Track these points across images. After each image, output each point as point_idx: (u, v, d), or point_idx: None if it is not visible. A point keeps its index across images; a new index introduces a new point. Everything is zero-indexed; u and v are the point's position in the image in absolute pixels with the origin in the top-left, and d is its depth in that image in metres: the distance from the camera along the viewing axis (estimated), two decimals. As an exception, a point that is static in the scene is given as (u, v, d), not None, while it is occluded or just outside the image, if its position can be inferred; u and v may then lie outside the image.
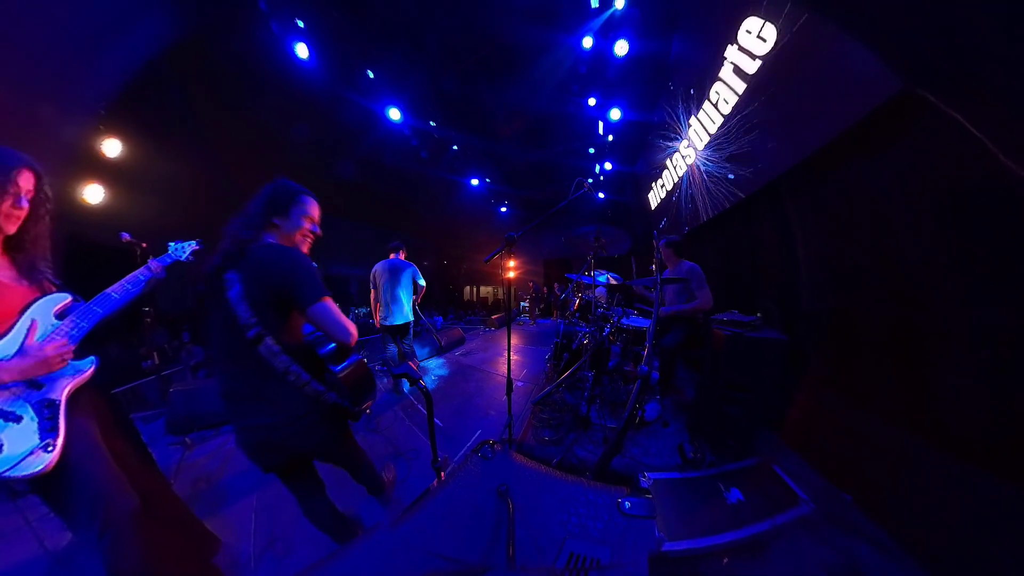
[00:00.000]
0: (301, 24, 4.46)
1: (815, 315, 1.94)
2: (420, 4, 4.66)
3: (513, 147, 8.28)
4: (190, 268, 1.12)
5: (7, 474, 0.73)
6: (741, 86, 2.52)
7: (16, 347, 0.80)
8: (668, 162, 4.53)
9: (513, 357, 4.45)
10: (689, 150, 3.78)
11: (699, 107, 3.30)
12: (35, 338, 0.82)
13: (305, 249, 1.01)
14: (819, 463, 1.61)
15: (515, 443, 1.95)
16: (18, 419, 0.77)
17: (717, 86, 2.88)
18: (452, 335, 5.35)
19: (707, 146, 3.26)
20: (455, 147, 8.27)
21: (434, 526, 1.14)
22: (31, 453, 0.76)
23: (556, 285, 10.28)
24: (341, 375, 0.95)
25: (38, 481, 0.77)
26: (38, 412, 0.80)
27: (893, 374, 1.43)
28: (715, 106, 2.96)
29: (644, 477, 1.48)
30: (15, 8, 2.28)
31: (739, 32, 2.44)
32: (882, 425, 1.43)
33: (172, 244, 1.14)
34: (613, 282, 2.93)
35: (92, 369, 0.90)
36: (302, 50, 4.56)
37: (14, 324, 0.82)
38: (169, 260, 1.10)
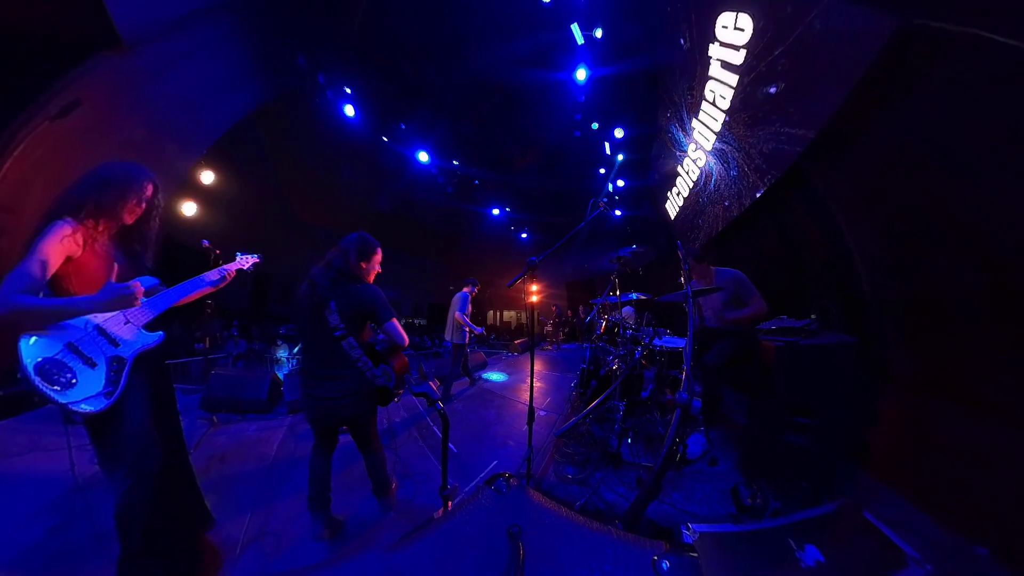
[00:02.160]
0: (349, 91, 6.24)
1: (887, 304, 1.60)
2: (438, 67, 6.13)
3: (529, 177, 8.99)
4: (248, 275, 1.44)
5: (71, 405, 0.89)
6: (733, 79, 2.49)
7: None
8: (679, 168, 4.48)
9: (536, 384, 4.26)
10: (698, 153, 3.72)
11: (698, 109, 3.31)
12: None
13: (371, 279, 1.45)
14: (931, 503, 1.21)
15: (533, 479, 1.78)
16: (94, 365, 0.95)
17: (710, 85, 2.88)
18: (474, 359, 5.35)
19: (715, 145, 3.19)
20: (476, 181, 9.16)
21: (431, 561, 1.03)
22: (94, 395, 0.93)
23: (581, 308, 10.07)
24: (396, 365, 1.41)
25: (91, 418, 0.94)
26: (109, 364, 0.97)
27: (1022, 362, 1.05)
28: (713, 104, 2.93)
29: (688, 530, 1.21)
30: (151, 69, 3.23)
31: (716, 29, 2.47)
32: (1021, 439, 1.04)
33: (239, 253, 1.44)
34: (640, 298, 2.81)
35: (159, 342, 1.09)
36: (349, 110, 6.38)
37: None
38: (235, 267, 1.38)
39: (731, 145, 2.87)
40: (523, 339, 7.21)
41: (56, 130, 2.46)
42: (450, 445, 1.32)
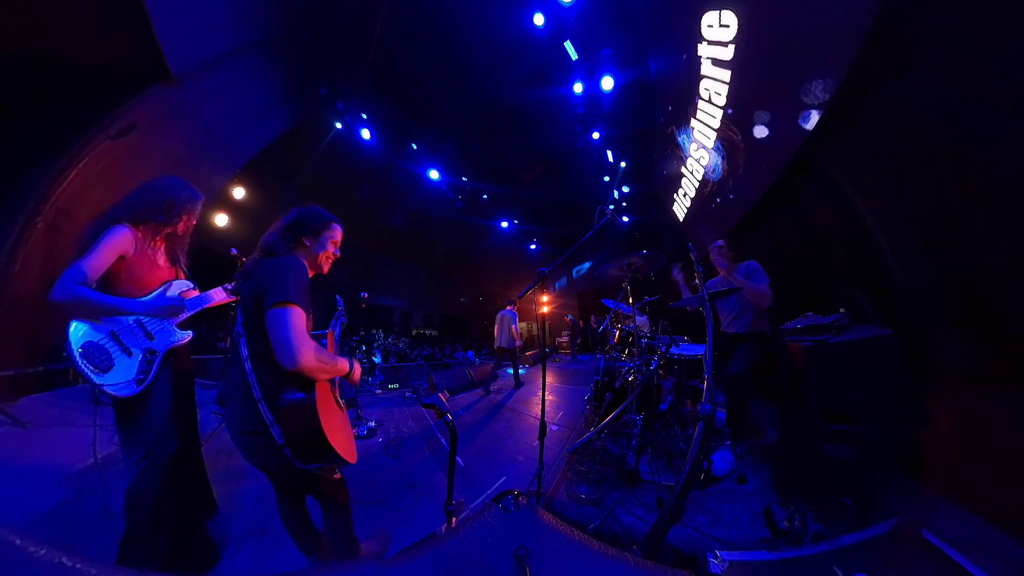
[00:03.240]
0: (365, 116, 7.00)
1: (922, 287, 1.45)
2: (445, 91, 6.73)
3: (535, 189, 9.24)
4: None
5: (106, 387, 0.99)
6: (726, 74, 2.49)
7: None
8: (683, 169, 4.44)
9: (548, 397, 4.20)
10: (701, 152, 3.69)
11: (695, 109, 3.31)
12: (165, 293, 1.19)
13: (327, 269, 1.09)
14: (1004, 517, 1.02)
15: (544, 498, 1.69)
16: (130, 354, 1.06)
17: (704, 84, 2.89)
18: (484, 371, 5.33)
19: (717, 142, 3.16)
20: (485, 195, 9.48)
21: (430, 579, 0.93)
22: (127, 381, 1.03)
23: (593, 317, 9.90)
24: (282, 408, 0.81)
25: (120, 402, 1.04)
26: (143, 355, 1.08)
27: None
28: (709, 102, 2.93)
29: (716, 558, 1.10)
30: (194, 98, 3.62)
31: (702, 29, 2.51)
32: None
33: None
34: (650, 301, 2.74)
35: (188, 339, 1.20)
36: (366, 133, 7.12)
37: (157, 290, 1.18)
38: None
39: (733, 140, 2.84)
40: (534, 350, 7.02)
41: (115, 148, 2.85)
42: (457, 459, 1.26)
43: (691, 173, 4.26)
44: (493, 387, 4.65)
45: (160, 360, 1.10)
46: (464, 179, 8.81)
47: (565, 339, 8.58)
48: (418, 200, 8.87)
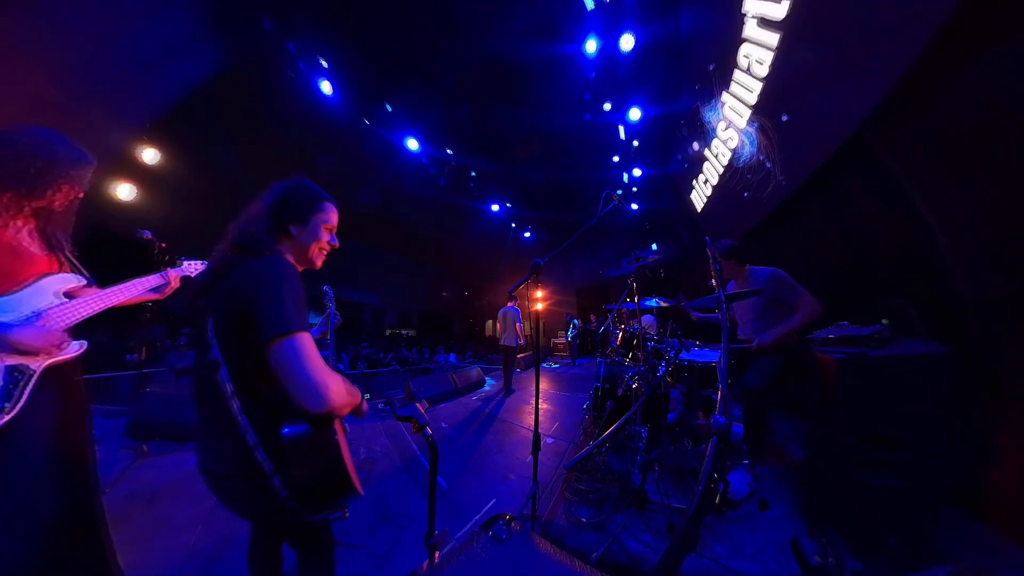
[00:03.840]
0: (325, 64, 5.71)
1: (994, 302, 1.46)
2: (429, 39, 5.82)
3: (532, 169, 8.89)
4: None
5: None
6: (774, 38, 2.39)
7: (15, 310, 0.91)
8: (707, 152, 4.39)
9: (542, 406, 4.27)
10: (730, 132, 3.61)
11: (729, 79, 3.23)
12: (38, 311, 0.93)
13: (319, 263, 0.99)
14: None
15: (540, 522, 1.70)
16: None
17: (744, 48, 2.78)
18: (469, 376, 5.26)
19: (750, 121, 3.09)
20: (473, 173, 9.11)
21: (412, 628, 0.90)
22: None
23: (592, 317, 10.02)
24: (286, 445, 0.74)
25: None
26: (6, 374, 0.85)
27: None
28: (748, 72, 2.85)
29: None
30: (85, 20, 3.12)
31: None
32: None
33: (184, 259, 1.31)
34: (663, 305, 2.68)
35: (79, 352, 0.98)
36: (326, 87, 5.86)
37: (23, 288, 0.93)
38: (180, 274, 1.28)
39: (770, 120, 2.77)
40: (526, 353, 6.93)
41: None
42: (440, 480, 1.34)
43: (715, 157, 4.20)
44: (479, 396, 4.69)
45: (34, 381, 0.88)
46: (449, 152, 8.31)
47: (561, 340, 8.56)
48: (393, 175, 8.26)
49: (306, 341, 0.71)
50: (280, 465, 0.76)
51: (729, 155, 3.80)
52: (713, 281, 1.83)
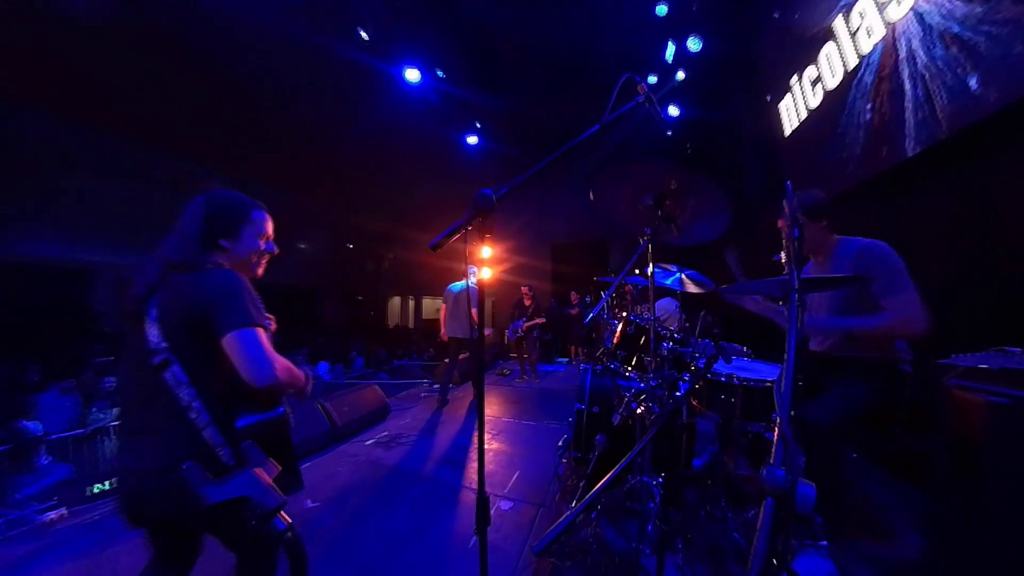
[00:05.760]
0: None
1: None
2: None
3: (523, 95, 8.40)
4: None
5: None
6: None
7: None
8: (839, 22, 4.15)
9: (493, 445, 4.23)
10: (873, 21, 3.59)
11: None
12: None
13: (260, 272, 1.57)
14: None
15: None
16: None
17: None
18: (358, 403, 4.88)
19: (915, 14, 3.11)
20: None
21: None
22: None
23: (574, 295, 10.17)
24: (239, 430, 1.32)
25: None
26: None
27: None
28: None
29: None
30: None
31: None
32: None
33: None
34: (693, 288, 2.77)
35: None
36: None
37: None
38: None
39: (948, 21, 2.77)
40: (464, 355, 6.60)
41: None
42: None
43: (828, 61, 4.14)
44: (379, 437, 4.45)
45: None
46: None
47: (522, 331, 8.12)
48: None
49: (263, 333, 1.30)
50: (230, 439, 1.31)
51: (856, 61, 3.78)
52: (783, 254, 1.84)
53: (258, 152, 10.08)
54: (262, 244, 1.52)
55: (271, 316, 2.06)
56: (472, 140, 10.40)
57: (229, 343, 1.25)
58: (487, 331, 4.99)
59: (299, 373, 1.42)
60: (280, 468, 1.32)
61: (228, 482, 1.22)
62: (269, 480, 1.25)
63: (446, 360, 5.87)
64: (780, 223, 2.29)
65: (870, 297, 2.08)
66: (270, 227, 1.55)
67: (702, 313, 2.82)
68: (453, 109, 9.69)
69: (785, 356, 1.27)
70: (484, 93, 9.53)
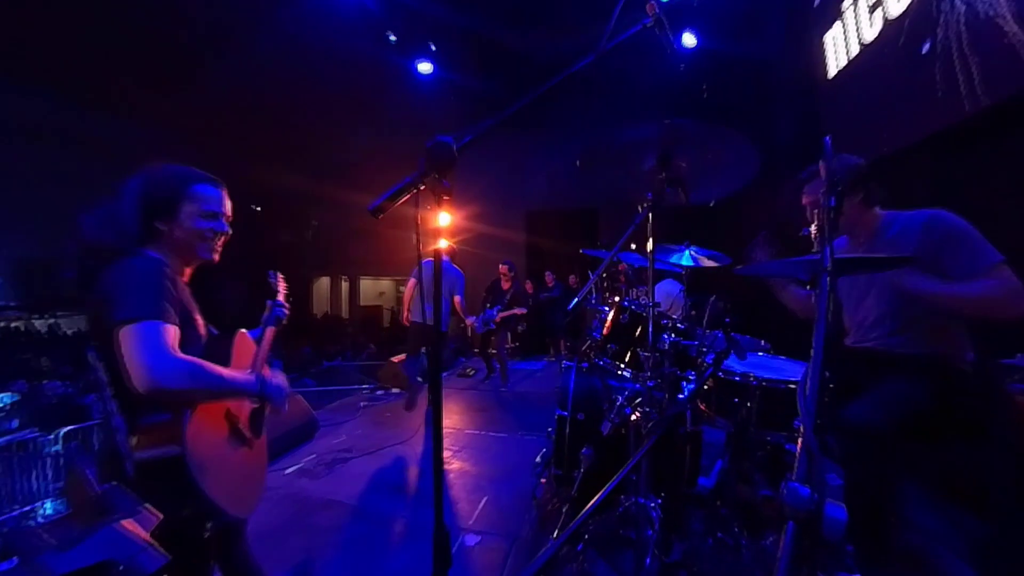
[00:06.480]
0: None
1: None
2: None
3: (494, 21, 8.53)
4: None
5: None
6: None
7: None
8: None
9: (454, 465, 4.24)
10: None
11: None
12: None
13: (214, 256, 1.71)
14: None
15: None
16: None
17: None
18: (275, 418, 4.86)
19: None
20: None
21: None
22: None
23: (550, 278, 10.40)
24: (140, 431, 1.39)
25: None
26: None
27: None
28: None
29: None
30: None
31: None
32: None
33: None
34: (708, 263, 2.89)
35: None
36: None
37: None
38: None
39: None
40: (416, 353, 6.53)
41: None
42: None
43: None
44: (304, 462, 4.49)
45: None
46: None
47: (503, 321, 7.96)
48: None
49: (152, 327, 1.36)
50: (132, 449, 1.40)
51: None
52: (812, 228, 1.90)
53: (134, 85, 9.45)
54: (206, 224, 1.59)
55: (286, 305, 2.17)
56: (425, 68, 10.12)
57: (118, 340, 1.33)
58: (470, 320, 5.46)
59: (221, 377, 1.45)
60: (161, 517, 1.27)
61: (78, 545, 1.18)
62: (144, 534, 1.21)
63: (403, 355, 5.81)
64: (805, 199, 2.31)
65: (940, 272, 2.08)
66: (223, 204, 1.65)
67: (712, 298, 2.89)
68: (399, 23, 9.35)
69: (812, 352, 1.29)
70: (442, 1, 9.17)
